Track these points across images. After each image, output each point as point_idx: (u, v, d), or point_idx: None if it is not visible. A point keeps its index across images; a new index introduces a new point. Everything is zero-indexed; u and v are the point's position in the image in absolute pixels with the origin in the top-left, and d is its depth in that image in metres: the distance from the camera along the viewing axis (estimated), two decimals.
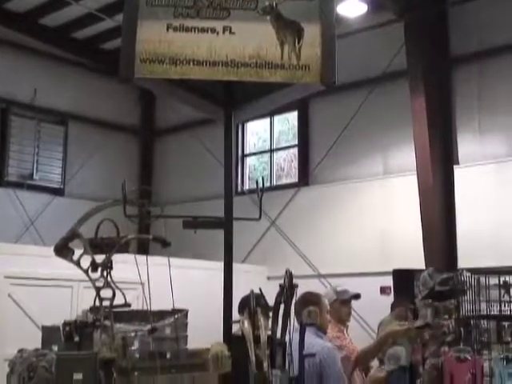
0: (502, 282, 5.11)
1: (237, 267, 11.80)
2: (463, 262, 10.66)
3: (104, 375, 2.36)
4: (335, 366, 4.33)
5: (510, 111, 11.28)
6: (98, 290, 2.43)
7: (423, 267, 10.79)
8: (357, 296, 6.22)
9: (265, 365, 2.14)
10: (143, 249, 8.96)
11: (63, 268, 11.81)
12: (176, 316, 10.76)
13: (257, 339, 2.23)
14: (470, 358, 4.49)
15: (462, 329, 4.66)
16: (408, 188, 11.68)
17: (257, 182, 3.03)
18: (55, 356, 7.93)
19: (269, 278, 12.31)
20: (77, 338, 2.46)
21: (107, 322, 2.39)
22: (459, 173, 11.51)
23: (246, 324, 2.30)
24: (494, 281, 5.29)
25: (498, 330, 5.14)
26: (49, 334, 9.80)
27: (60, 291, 11.05)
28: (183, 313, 10.58)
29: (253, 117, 12.16)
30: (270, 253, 13.61)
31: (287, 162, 15.01)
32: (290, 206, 13.74)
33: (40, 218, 14.55)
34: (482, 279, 4.97)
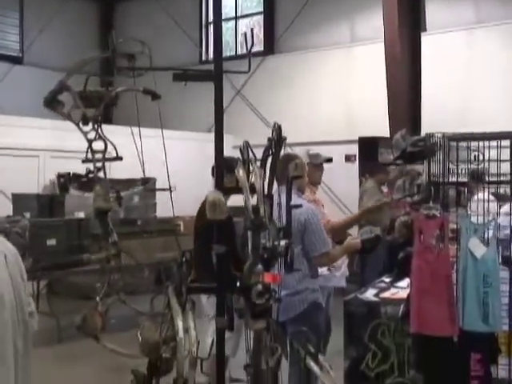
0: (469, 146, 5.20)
1: (203, 136, 11.82)
2: (428, 130, 10.83)
3: (100, 225, 2.42)
4: (319, 224, 4.52)
5: None
6: (90, 142, 2.44)
7: (388, 135, 11.00)
8: (329, 160, 6.26)
9: (261, 211, 2.22)
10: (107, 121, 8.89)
11: (28, 137, 11.70)
12: (145, 184, 10.88)
13: (251, 188, 2.30)
14: (438, 215, 4.65)
15: (431, 188, 4.80)
16: (374, 56, 11.63)
17: (245, 34, 2.98)
18: (28, 222, 8.01)
19: (234, 147, 12.38)
20: (72, 190, 2.48)
21: (101, 174, 2.43)
22: (427, 40, 11.46)
23: (241, 172, 2.35)
24: (462, 144, 5.37)
25: (458, 193, 5.31)
26: (19, 201, 9.84)
27: (26, 161, 11.01)
28: (152, 181, 10.70)
29: None
30: (236, 122, 13.60)
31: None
32: (256, 75, 13.61)
33: None
34: (452, 143, 5.06)
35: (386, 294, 6.26)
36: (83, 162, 2.45)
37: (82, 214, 9.41)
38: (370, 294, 6.31)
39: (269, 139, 2.61)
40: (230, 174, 5.24)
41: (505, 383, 4.73)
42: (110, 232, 2.42)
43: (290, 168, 2.71)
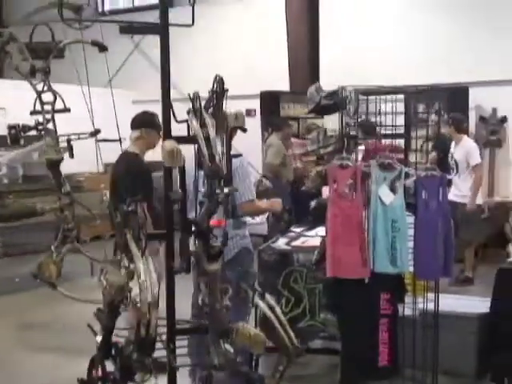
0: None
1: (101, 91, 11.59)
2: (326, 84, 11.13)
3: (52, 176, 2.45)
4: (246, 173, 4.66)
5: None
6: (39, 93, 2.45)
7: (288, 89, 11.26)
8: (245, 130, 6.59)
9: (217, 158, 2.32)
10: None
11: None
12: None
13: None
14: (351, 164, 4.90)
15: (345, 139, 5.04)
16: (275, 10, 11.71)
17: None
18: None
19: (134, 102, 12.24)
20: (22, 141, 2.50)
21: (50, 126, 2.45)
22: None
23: (195, 122, 2.44)
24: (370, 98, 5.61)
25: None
26: None
27: None
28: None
29: None
30: (134, 77, 13.42)
31: None
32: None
33: None
34: (361, 96, 5.32)
35: (297, 243, 6.54)
36: (31, 113, 2.46)
37: None
38: (281, 242, 6.56)
39: (212, 91, 2.69)
40: (152, 128, 5.30)
41: (410, 320, 5.10)
42: (62, 182, 2.46)
43: (231, 118, 2.81)
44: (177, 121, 2.58)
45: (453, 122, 8.29)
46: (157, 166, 6.31)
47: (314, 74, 11.33)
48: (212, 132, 2.37)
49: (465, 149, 8.32)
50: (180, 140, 2.50)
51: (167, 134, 2.56)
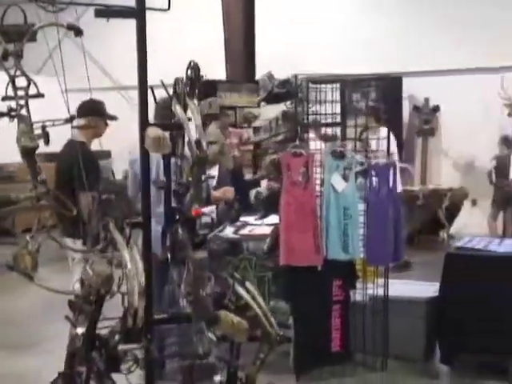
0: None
1: (34, 80, 11.26)
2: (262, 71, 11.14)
3: (27, 164, 2.34)
4: None
5: None
6: (12, 78, 2.35)
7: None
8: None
9: (204, 144, 2.28)
10: None
11: None
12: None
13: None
14: (304, 153, 4.93)
15: (298, 128, 5.04)
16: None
17: None
18: None
19: (67, 91, 11.90)
20: None
21: (23, 112, 2.35)
22: None
23: (178, 108, 2.38)
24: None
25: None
26: None
27: None
28: None
29: None
30: (66, 65, 13.03)
31: None
32: (88, 15, 13.08)
33: None
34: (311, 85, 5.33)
35: (245, 231, 6.51)
36: (3, 99, 2.36)
37: None
38: (229, 231, 6.53)
39: (186, 78, 2.64)
40: (99, 117, 5.16)
41: (360, 305, 5.17)
42: (38, 171, 2.36)
43: (204, 106, 2.76)
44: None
45: (372, 112, 8.35)
46: (103, 155, 6.16)
47: (250, 63, 11.29)
48: (198, 118, 2.32)
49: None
50: (163, 127, 2.44)
51: (145, 121, 2.49)
